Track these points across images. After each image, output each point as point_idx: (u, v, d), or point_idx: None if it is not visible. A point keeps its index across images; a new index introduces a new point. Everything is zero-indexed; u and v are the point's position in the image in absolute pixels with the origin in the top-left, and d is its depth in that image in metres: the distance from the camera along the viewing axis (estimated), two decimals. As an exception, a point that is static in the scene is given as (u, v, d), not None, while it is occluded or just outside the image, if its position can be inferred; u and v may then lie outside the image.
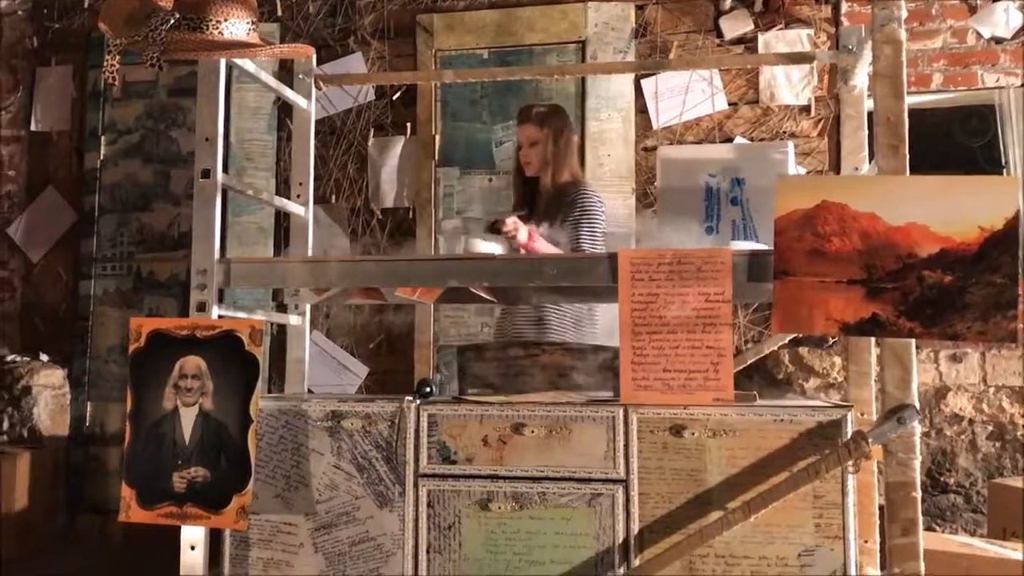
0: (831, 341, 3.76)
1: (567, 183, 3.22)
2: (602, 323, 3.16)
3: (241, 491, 2.00)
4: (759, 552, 1.88)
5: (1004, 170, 3.96)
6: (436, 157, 4.17)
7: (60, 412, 4.37)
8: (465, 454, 2.02)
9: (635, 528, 1.92)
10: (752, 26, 3.98)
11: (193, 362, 2.07)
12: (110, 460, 4.39)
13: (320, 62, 3.72)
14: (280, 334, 3.57)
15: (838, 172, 3.11)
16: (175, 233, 4.45)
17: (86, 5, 4.65)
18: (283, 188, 4.25)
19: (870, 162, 2.51)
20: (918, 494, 1.85)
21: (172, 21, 1.98)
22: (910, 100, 1.97)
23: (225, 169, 2.30)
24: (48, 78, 4.70)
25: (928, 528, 3.46)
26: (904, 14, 1.95)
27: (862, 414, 2.32)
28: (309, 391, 2.76)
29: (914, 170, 1.92)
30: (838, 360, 3.72)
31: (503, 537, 1.98)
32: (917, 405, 1.85)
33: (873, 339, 2.33)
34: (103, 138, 4.57)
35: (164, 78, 4.52)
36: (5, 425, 4.24)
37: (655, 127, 4.02)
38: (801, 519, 1.88)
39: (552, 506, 1.97)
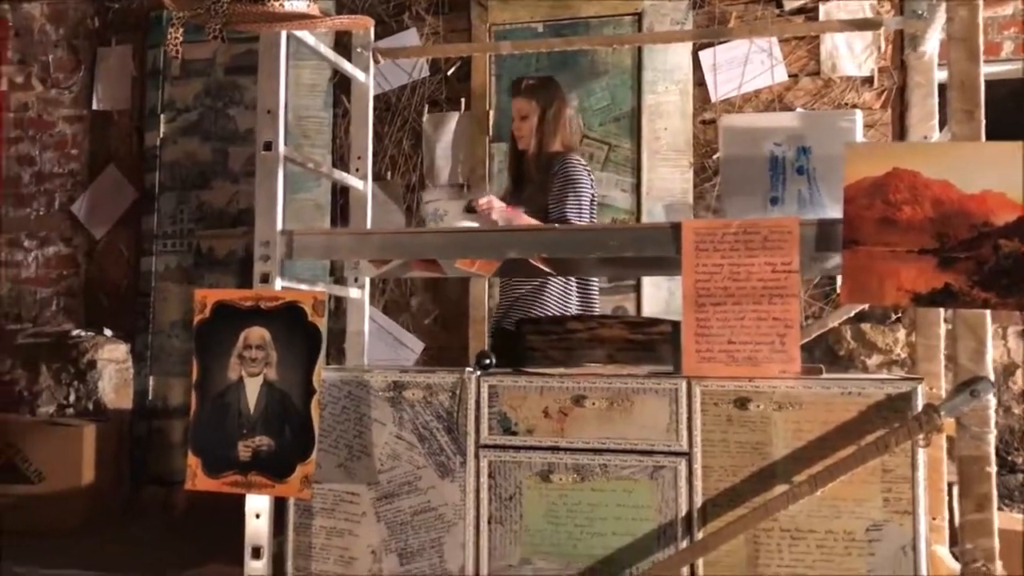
0: (893, 316, 3.68)
1: (554, 153, 3.16)
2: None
3: (305, 460, 2.01)
4: (825, 526, 1.85)
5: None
6: (490, 132, 4.16)
7: (124, 386, 4.46)
8: (526, 425, 2.02)
9: (698, 501, 1.90)
10: (813, -5, 3.89)
11: (257, 333, 2.09)
12: (172, 433, 4.48)
13: (375, 38, 3.72)
14: (336, 309, 3.60)
15: (904, 143, 3.03)
16: (233, 210, 4.50)
17: (146, -16, 4.71)
18: (339, 165, 4.27)
19: (940, 131, 2.45)
20: (992, 469, 1.80)
21: (234, -7, 1.98)
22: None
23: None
24: (109, 58, 4.77)
25: (994, 508, 3.39)
26: (978, -23, 1.88)
27: (931, 388, 2.27)
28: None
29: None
30: (901, 336, 3.64)
31: (564, 509, 1.98)
32: (992, 377, 1.80)
33: (943, 311, 2.27)
34: (162, 116, 4.64)
35: (221, 56, 4.57)
36: (71, 398, 4.35)
37: (713, 99, 3.96)
38: (869, 493, 1.84)
39: (614, 478, 1.96)
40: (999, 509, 3.52)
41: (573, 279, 3.18)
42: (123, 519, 4.20)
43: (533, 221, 2.91)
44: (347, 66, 2.52)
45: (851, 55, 3.86)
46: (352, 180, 2.55)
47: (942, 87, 2.04)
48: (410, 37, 4.21)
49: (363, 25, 2.22)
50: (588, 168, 3.20)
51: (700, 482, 1.91)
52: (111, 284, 4.70)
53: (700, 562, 1.89)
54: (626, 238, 1.99)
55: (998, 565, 1.81)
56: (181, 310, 4.54)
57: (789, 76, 3.91)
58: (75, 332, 4.51)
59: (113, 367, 4.41)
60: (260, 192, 2.12)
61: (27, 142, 4.90)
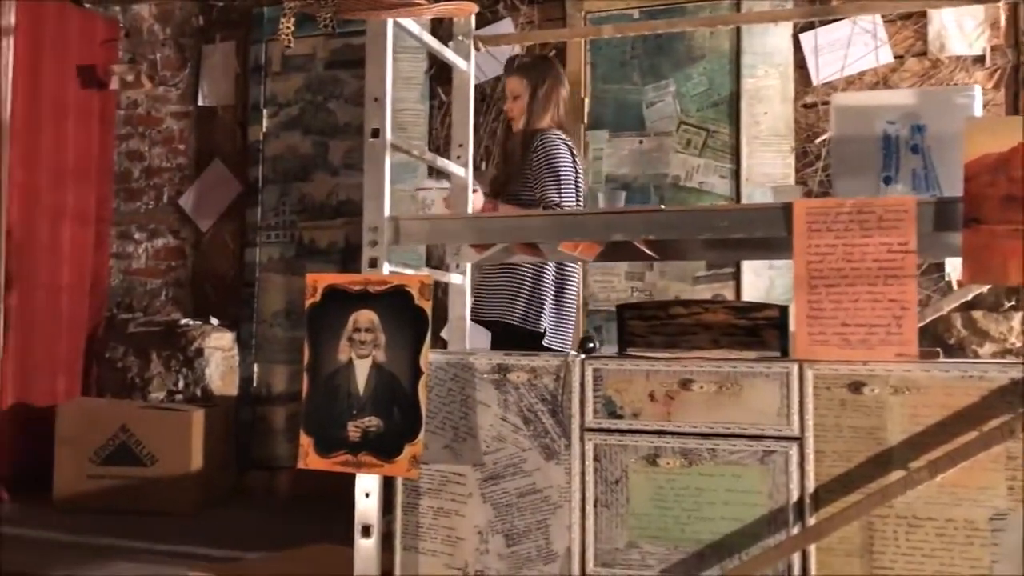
0: (1007, 304, 3.54)
1: (537, 131, 3.10)
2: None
3: (413, 441, 2.05)
4: (945, 514, 1.79)
5: None
6: (585, 120, 4.14)
7: (229, 373, 4.60)
8: (631, 409, 2.01)
9: (810, 486, 1.87)
10: (921, -27, 3.76)
11: (366, 316, 2.13)
12: (275, 419, 4.61)
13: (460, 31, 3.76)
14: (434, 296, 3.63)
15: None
16: (333, 201, 4.60)
17: (248, -18, 4.84)
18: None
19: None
20: None
21: (343, -17, 2.02)
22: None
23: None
24: (213, 55, 4.92)
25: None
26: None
27: (1055, 375, 2.17)
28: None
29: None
30: (1016, 324, 3.50)
31: (672, 493, 1.96)
32: None
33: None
34: (265, 111, 4.76)
35: (321, 51, 4.67)
36: (180, 384, 4.51)
37: (815, 82, 3.87)
38: (992, 481, 1.78)
39: (722, 463, 1.93)
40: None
41: (551, 266, 3.13)
42: (229, 502, 4.34)
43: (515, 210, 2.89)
44: (448, 54, 2.55)
45: (961, 34, 3.72)
46: (453, 167, 2.58)
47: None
48: (505, 27, 4.23)
49: (468, 10, 2.24)
50: (571, 145, 3.14)
51: (812, 467, 1.87)
52: (217, 275, 4.86)
53: (812, 548, 1.85)
54: (736, 219, 1.96)
55: None
56: (283, 300, 4.67)
57: (895, 57, 3.79)
58: (183, 321, 4.68)
59: (219, 355, 4.55)
60: (368, 178, 2.16)
61: (137, 138, 5.09)
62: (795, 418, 1.89)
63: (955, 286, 3.52)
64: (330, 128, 4.65)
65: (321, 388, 2.16)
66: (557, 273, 3.19)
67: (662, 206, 2.03)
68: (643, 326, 2.30)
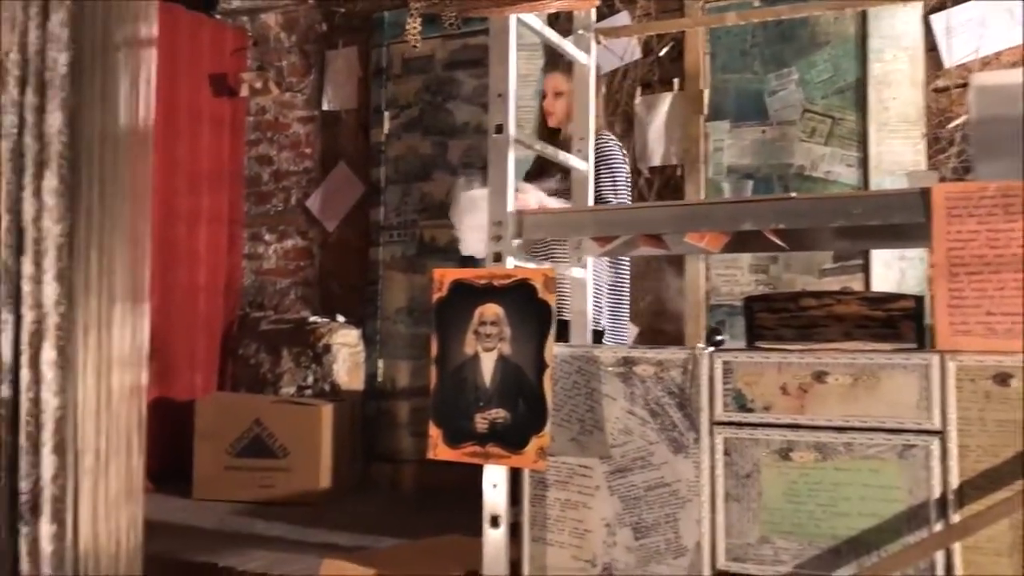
0: None
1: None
2: None
3: (539, 433, 2.06)
4: (1103, 514, 1.70)
5: None
6: (705, 111, 4.09)
7: (355, 368, 4.74)
8: (762, 402, 1.97)
9: (954, 482, 1.79)
10: (1065, -57, 3.56)
11: (491, 309, 2.16)
12: (400, 414, 4.72)
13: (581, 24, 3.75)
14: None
15: None
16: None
17: (368, -13, 4.96)
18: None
19: None
20: None
21: (466, -18, 2.06)
22: None
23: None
24: (336, 60, 5.07)
25: None
26: None
27: None
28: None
29: None
30: None
31: (805, 488, 1.92)
32: None
33: None
34: (386, 114, 4.88)
35: (440, 53, 4.74)
36: (310, 380, 4.66)
37: (947, 65, 3.71)
38: None
39: (859, 457, 1.88)
40: None
41: (605, 262, 3.11)
42: (356, 494, 4.46)
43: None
44: (569, 48, 2.55)
45: (1109, 7, 3.50)
46: (575, 161, 2.58)
47: None
48: (622, 20, 4.21)
49: (590, 3, 2.24)
50: (620, 145, 3.17)
51: (955, 462, 1.80)
52: (342, 273, 5.00)
53: (957, 547, 1.78)
54: (870, 206, 1.90)
55: None
56: (406, 297, 4.77)
57: (1036, 35, 3.60)
58: (312, 319, 4.84)
59: (346, 351, 4.69)
60: (492, 173, 2.19)
61: (265, 143, 5.29)
62: (936, 411, 1.82)
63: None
64: (449, 128, 4.73)
65: (449, 381, 2.20)
66: (611, 269, 3.19)
67: (793, 194, 1.98)
68: (772, 319, 2.26)
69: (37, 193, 2.67)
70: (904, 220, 1.88)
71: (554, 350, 2.11)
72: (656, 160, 4.19)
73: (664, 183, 4.17)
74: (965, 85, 3.54)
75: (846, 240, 2.35)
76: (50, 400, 2.63)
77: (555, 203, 2.88)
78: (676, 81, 4.15)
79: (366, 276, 4.87)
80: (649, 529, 2.05)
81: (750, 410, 1.98)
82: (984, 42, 3.66)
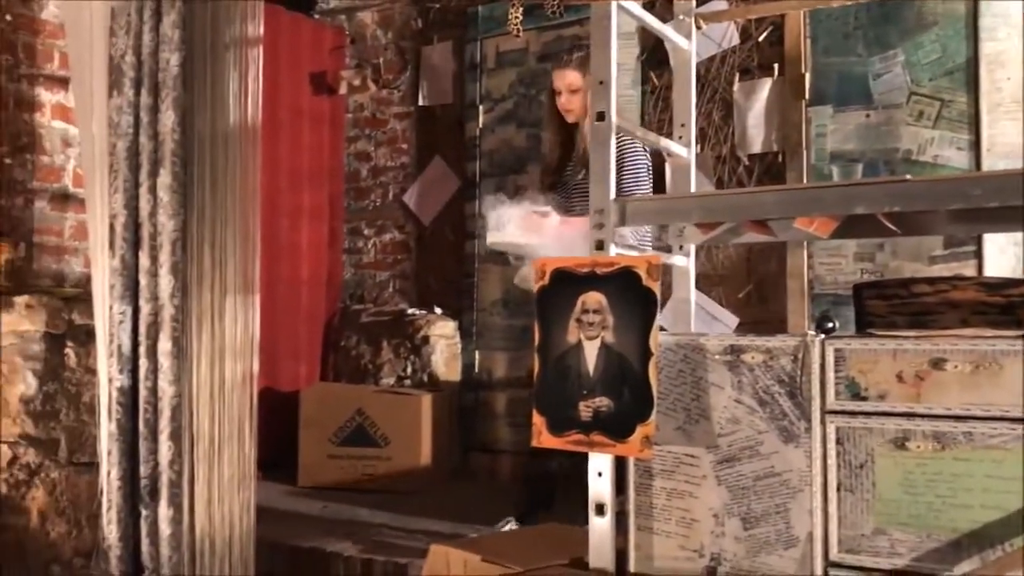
0: None
1: None
2: None
3: (644, 421, 2.05)
4: None
5: None
6: (807, 96, 3.99)
7: (453, 359, 4.79)
8: (877, 391, 1.92)
9: (1085, 474, 1.71)
10: None
11: (594, 297, 2.15)
12: (496, 404, 4.75)
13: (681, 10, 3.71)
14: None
15: None
16: (547, 192, 4.67)
17: (462, -18, 5.00)
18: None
19: None
20: None
21: (567, -31, 2.05)
22: None
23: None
24: (431, 56, 5.12)
25: None
26: None
27: None
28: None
29: None
30: None
31: (922, 478, 1.86)
32: None
33: None
34: (481, 107, 4.91)
35: (533, 46, 4.75)
36: (408, 370, 4.74)
37: (1066, 41, 3.54)
38: None
39: (980, 447, 1.81)
40: None
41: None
42: (455, 483, 4.51)
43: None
44: (670, 33, 2.52)
45: None
46: (676, 147, 2.56)
47: None
48: (719, 6, 4.14)
49: (692, -12, 2.21)
50: (643, 142, 3.14)
51: (1086, 453, 1.72)
52: (439, 266, 5.06)
53: (1089, 542, 1.70)
54: (990, 187, 1.82)
55: None
56: (500, 290, 4.79)
57: None
58: (410, 311, 4.91)
59: (443, 342, 4.75)
60: (594, 161, 2.18)
61: (364, 140, 5.39)
62: (1065, 400, 1.74)
63: None
64: (542, 120, 4.72)
65: (551, 369, 2.20)
66: None
67: (907, 176, 1.92)
68: (883, 306, 2.19)
69: (152, 190, 2.78)
70: (1028, 201, 1.79)
71: (658, 338, 2.09)
72: (756, 147, 4.11)
73: (764, 170, 4.09)
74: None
75: (961, 224, 2.26)
76: (166, 388, 2.74)
77: (575, 222, 2.98)
78: (776, 66, 4.06)
79: (462, 269, 4.92)
80: (759, 519, 2.01)
81: (864, 398, 1.93)
82: (1106, 16, 3.48)
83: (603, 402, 2.12)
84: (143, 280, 2.78)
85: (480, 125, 4.91)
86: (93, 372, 3.03)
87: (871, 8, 3.84)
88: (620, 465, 2.18)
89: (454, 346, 4.79)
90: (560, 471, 3.18)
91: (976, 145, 3.68)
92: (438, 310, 4.88)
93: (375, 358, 4.83)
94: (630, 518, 2.16)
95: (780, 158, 4.05)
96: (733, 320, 4.16)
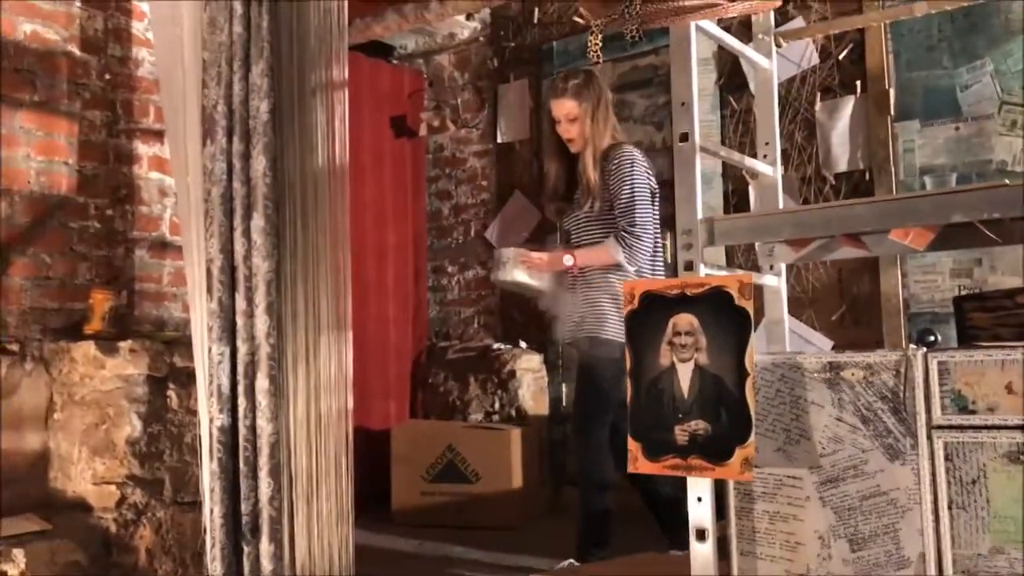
0: None
1: (607, 148, 3.12)
2: None
3: (743, 443, 2.01)
4: None
5: None
6: (892, 112, 3.91)
7: (540, 393, 4.78)
8: (985, 403, 1.85)
9: None
10: None
11: (685, 319, 2.13)
12: (586, 437, 4.70)
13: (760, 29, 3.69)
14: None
15: None
16: (630, 221, 4.66)
17: (535, 20, 5.06)
18: (728, 167, 4.27)
19: None
20: None
21: (645, -5, 2.07)
22: None
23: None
24: (508, 93, 5.19)
25: None
26: None
27: None
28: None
29: None
30: None
31: (1041, 493, 1.78)
32: None
33: None
34: (558, 140, 4.93)
35: (609, 76, 4.77)
36: (496, 405, 4.75)
37: None
38: None
39: (1102, 459, 1.72)
40: None
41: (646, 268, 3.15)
42: (547, 517, 4.48)
43: (591, 254, 3.13)
44: (750, 53, 2.51)
45: None
46: (761, 167, 2.53)
47: None
48: (797, 24, 4.11)
49: (772, 4, 2.20)
50: (645, 156, 3.16)
51: None
52: (522, 300, 5.07)
53: None
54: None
55: None
56: (585, 321, 4.77)
57: None
58: (495, 346, 4.93)
59: (530, 376, 4.75)
60: (679, 182, 2.17)
61: (444, 179, 5.47)
62: None
63: None
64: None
65: (645, 393, 2.18)
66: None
67: (1007, 180, 1.86)
68: (987, 318, 2.13)
69: (246, 233, 2.86)
70: None
71: (754, 358, 2.06)
72: (842, 166, 4.04)
73: (852, 188, 4.02)
74: None
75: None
76: (264, 426, 2.80)
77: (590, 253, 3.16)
78: (858, 84, 4.00)
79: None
80: (866, 540, 1.95)
81: (972, 412, 1.86)
82: None
83: (700, 425, 2.09)
84: (240, 321, 2.85)
85: (559, 159, 4.92)
86: (193, 413, 3.12)
87: (956, 19, 3.77)
88: (719, 490, 2.14)
89: (540, 379, 4.79)
90: (615, 506, 3.16)
91: (1073, 153, 3.55)
92: (523, 344, 4.89)
93: (463, 394, 4.86)
94: (732, 543, 2.11)
95: (867, 176, 3.97)
96: (827, 343, 4.07)
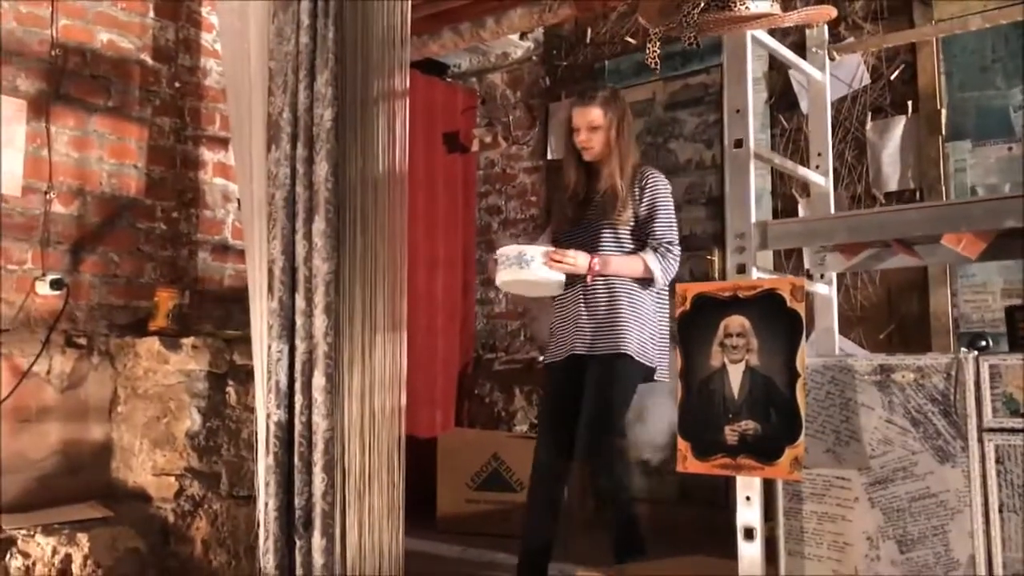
0: None
1: (636, 165, 3.14)
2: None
3: (793, 443, 2.04)
4: None
5: None
6: (943, 132, 3.92)
7: (585, 407, 4.81)
8: (1037, 407, 1.87)
9: None
10: None
11: (737, 321, 2.17)
12: (628, 451, 4.72)
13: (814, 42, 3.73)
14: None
15: None
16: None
17: (588, 40, 5.15)
18: (779, 185, 4.30)
19: None
20: None
21: (703, 4, 2.14)
22: None
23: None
24: (559, 112, 5.26)
25: None
26: None
27: None
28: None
29: None
30: None
31: (1093, 497, 1.79)
32: None
33: None
34: (608, 157, 4.99)
35: (660, 95, 4.84)
36: (542, 418, 4.79)
37: None
38: None
39: None
40: None
41: (665, 295, 3.13)
42: (590, 529, 4.49)
43: (623, 263, 3.02)
44: (804, 65, 2.56)
45: None
46: (814, 176, 2.57)
47: None
48: (849, 39, 4.14)
49: (827, 14, 2.25)
50: (668, 183, 3.18)
51: None
52: (570, 314, 5.12)
53: None
54: None
55: None
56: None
57: None
58: (540, 358, 4.98)
59: (576, 389, 4.78)
60: (732, 187, 2.23)
61: (495, 195, 5.56)
62: None
63: None
64: (671, 167, 4.78)
65: (695, 394, 2.22)
66: (657, 304, 3.15)
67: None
68: (1039, 327, 2.14)
69: (307, 236, 2.96)
70: None
71: (805, 360, 2.09)
72: (892, 185, 4.05)
73: (901, 208, 4.02)
74: None
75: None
76: (320, 423, 2.88)
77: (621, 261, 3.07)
78: (909, 104, 4.02)
79: (593, 316, 4.96)
80: (915, 542, 1.97)
81: (1023, 415, 1.88)
82: None
83: (750, 425, 2.12)
84: (299, 320, 2.94)
85: (608, 175, 4.99)
86: (251, 410, 3.21)
87: (1009, 41, 3.78)
88: (768, 490, 2.17)
89: (586, 392, 4.82)
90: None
91: None
92: (568, 358, 4.93)
93: (508, 405, 4.91)
94: (780, 543, 2.14)
95: (918, 195, 3.98)
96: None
